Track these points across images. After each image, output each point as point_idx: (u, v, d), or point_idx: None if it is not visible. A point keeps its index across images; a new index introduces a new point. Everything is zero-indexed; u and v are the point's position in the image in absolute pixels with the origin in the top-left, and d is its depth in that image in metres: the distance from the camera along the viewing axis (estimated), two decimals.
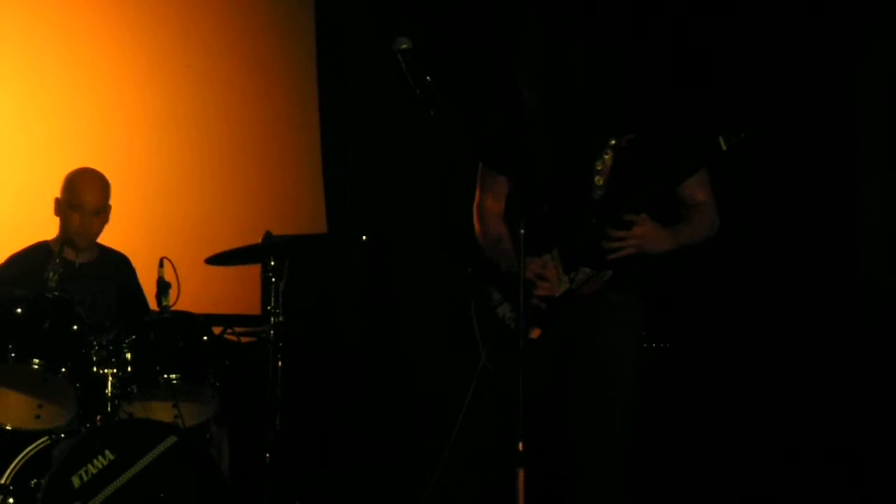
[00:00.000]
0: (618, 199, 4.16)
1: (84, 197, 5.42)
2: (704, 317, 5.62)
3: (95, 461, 4.64)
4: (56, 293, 4.95)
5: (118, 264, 5.65)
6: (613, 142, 4.20)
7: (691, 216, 4.28)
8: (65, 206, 5.44)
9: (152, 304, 5.34)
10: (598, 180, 4.22)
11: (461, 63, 5.98)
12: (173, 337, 5.08)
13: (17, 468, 4.75)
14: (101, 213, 5.47)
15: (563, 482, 4.23)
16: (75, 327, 4.91)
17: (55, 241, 5.47)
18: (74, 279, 5.24)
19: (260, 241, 5.29)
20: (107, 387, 4.94)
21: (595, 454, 4.17)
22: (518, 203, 4.18)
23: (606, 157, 4.21)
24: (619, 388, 4.20)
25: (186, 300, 5.21)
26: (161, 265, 5.18)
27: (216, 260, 5.29)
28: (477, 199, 4.47)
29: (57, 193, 5.48)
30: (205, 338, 5.16)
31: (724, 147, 4.02)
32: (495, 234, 4.38)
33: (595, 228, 4.15)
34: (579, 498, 4.20)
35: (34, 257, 5.41)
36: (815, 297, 5.53)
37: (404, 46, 3.84)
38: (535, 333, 4.13)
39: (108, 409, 4.94)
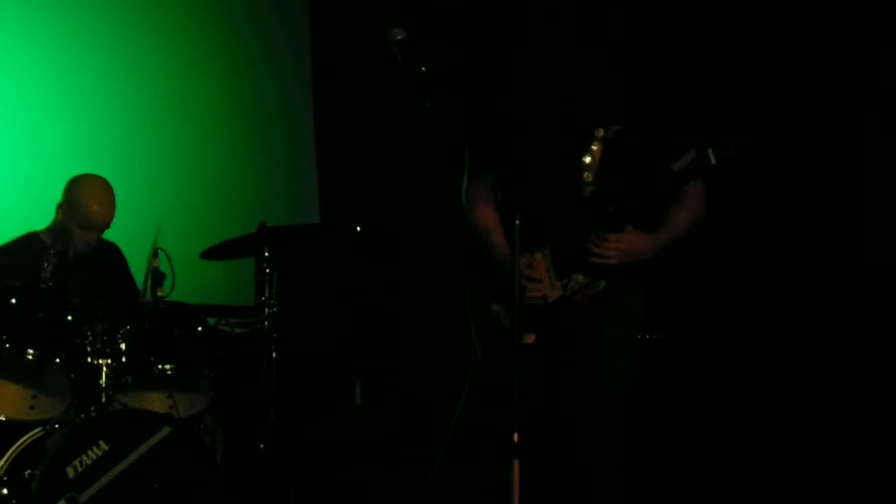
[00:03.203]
0: (608, 198, 4.14)
1: (93, 217, 5.34)
2: (699, 307, 5.62)
3: (90, 452, 4.64)
4: (50, 284, 4.94)
5: (110, 253, 5.64)
6: (601, 133, 4.17)
7: (675, 211, 4.25)
8: (70, 220, 5.33)
9: (146, 294, 5.33)
10: (587, 176, 4.17)
11: (452, 56, 5.97)
12: (168, 327, 5.09)
13: (11, 459, 4.74)
14: (108, 226, 5.42)
15: (558, 474, 4.23)
16: (69, 318, 4.91)
17: (46, 232, 5.44)
18: (68, 270, 5.23)
19: (254, 231, 5.29)
20: (101, 377, 4.95)
21: (591, 446, 4.16)
22: (511, 193, 4.16)
23: (594, 148, 4.17)
24: (617, 381, 4.19)
25: (181, 291, 5.21)
26: (156, 256, 5.18)
27: (211, 254, 5.28)
28: (465, 184, 4.42)
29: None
30: (199, 328, 5.17)
31: (713, 161, 3.97)
32: (485, 226, 4.33)
33: (586, 234, 4.12)
34: (574, 490, 4.20)
35: (24, 248, 5.39)
36: (814, 289, 5.53)
37: (399, 37, 3.84)
38: (531, 339, 4.08)
39: (103, 399, 4.94)
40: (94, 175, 5.44)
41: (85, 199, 5.35)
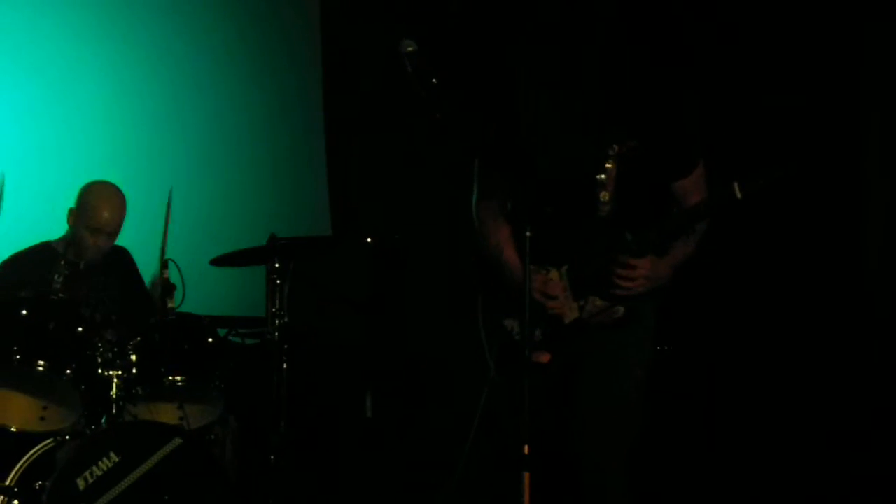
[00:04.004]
0: (624, 220, 4.12)
1: (102, 220, 5.38)
2: (706, 319, 5.61)
3: (100, 463, 4.64)
4: (61, 295, 4.95)
5: (119, 257, 5.64)
6: (616, 148, 4.16)
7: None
8: (80, 224, 5.38)
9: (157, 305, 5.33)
10: (604, 196, 4.15)
11: (464, 67, 5.97)
12: (178, 339, 5.08)
13: (21, 470, 4.74)
14: (117, 233, 5.45)
15: (568, 487, 4.23)
16: (80, 329, 4.90)
17: (59, 242, 5.46)
18: (79, 280, 5.23)
19: (265, 243, 5.29)
20: (112, 389, 4.94)
21: (600, 460, 4.15)
22: (522, 205, 4.14)
23: (609, 166, 4.15)
24: (629, 396, 4.18)
25: (191, 302, 5.21)
26: (166, 267, 5.18)
27: (221, 261, 5.29)
28: (475, 199, 4.42)
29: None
30: (209, 339, 5.17)
31: (738, 195, 3.95)
32: (496, 241, 4.32)
33: (605, 258, 4.11)
34: (584, 501, 4.19)
35: (37, 257, 5.41)
36: (820, 300, 5.52)
37: (410, 49, 3.83)
38: (545, 358, 4.07)
39: (113, 410, 4.94)
40: (106, 181, 5.49)
41: (95, 203, 5.39)
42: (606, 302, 4.12)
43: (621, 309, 4.12)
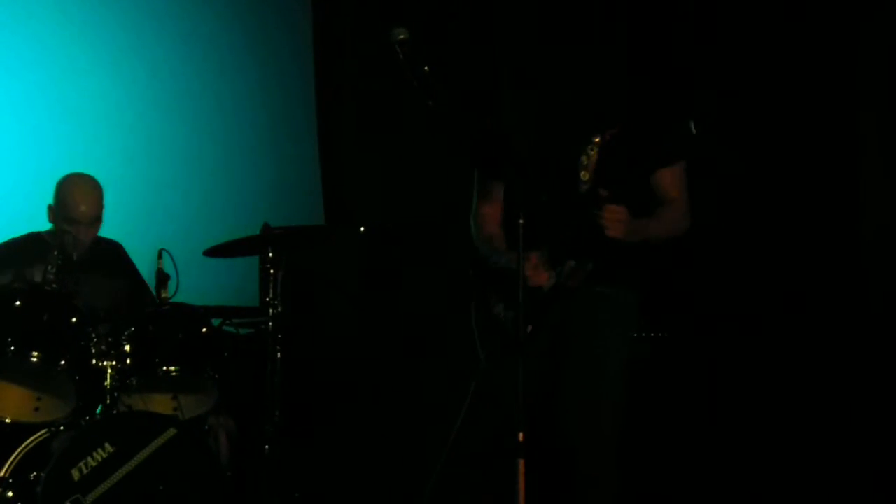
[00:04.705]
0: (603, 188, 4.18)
1: (79, 210, 5.36)
2: (703, 307, 5.62)
3: (95, 454, 4.64)
4: (54, 286, 4.94)
5: (113, 253, 5.63)
6: (598, 139, 4.21)
7: (662, 210, 4.30)
8: (59, 218, 5.36)
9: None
10: (584, 175, 4.24)
11: (451, 60, 5.97)
12: (172, 329, 5.08)
13: (16, 461, 4.74)
14: (97, 221, 5.44)
15: (558, 474, 4.24)
16: (74, 320, 4.91)
17: (49, 233, 5.45)
18: (71, 272, 5.22)
19: (258, 232, 5.29)
20: (106, 379, 4.94)
21: (586, 445, 4.19)
22: (514, 195, 4.18)
23: (592, 152, 4.23)
24: (609, 381, 4.22)
25: (185, 292, 5.21)
26: (160, 257, 5.18)
27: (215, 252, 5.28)
28: (473, 206, 4.52)
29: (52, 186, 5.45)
30: (204, 329, 5.16)
31: (693, 131, 3.97)
32: (487, 234, 4.44)
33: (580, 221, 4.15)
34: (573, 488, 4.21)
35: (26, 246, 5.40)
36: (816, 288, 5.53)
37: (402, 37, 3.83)
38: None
39: (108, 401, 4.94)
40: (79, 173, 5.47)
41: (71, 197, 5.37)
42: (577, 261, 4.17)
43: (590, 263, 4.17)
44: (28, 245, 5.40)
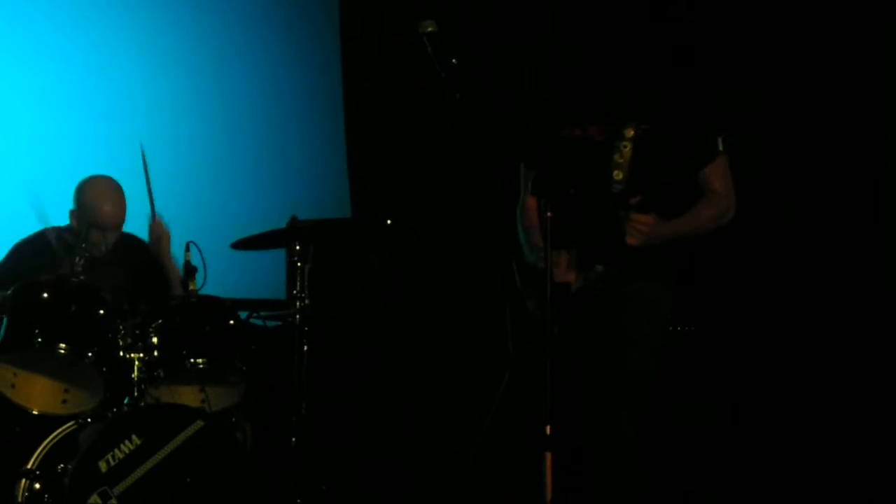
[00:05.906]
0: (634, 194, 4.16)
1: (106, 217, 5.36)
2: (729, 301, 5.60)
3: (122, 446, 4.65)
4: (81, 278, 4.95)
5: (137, 247, 5.64)
6: (631, 132, 4.19)
7: (699, 206, 4.27)
8: (84, 223, 5.33)
9: (177, 289, 5.32)
10: (618, 174, 4.22)
11: (481, 58, 5.96)
12: (199, 321, 5.09)
13: (43, 453, 4.75)
14: (123, 221, 5.43)
15: (582, 464, 4.24)
16: (101, 312, 4.91)
17: (62, 229, 5.42)
18: (97, 265, 5.24)
19: (285, 225, 5.29)
20: (133, 371, 4.95)
21: (606, 441, 4.19)
22: (542, 187, 4.18)
23: (625, 148, 4.20)
24: (632, 378, 4.21)
25: (213, 285, 5.22)
26: (187, 249, 5.18)
27: (242, 244, 5.29)
28: (521, 197, 4.54)
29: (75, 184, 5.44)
30: (231, 322, 5.17)
31: (720, 148, 3.96)
32: (528, 225, 4.45)
33: (611, 226, 4.14)
34: (594, 476, 4.21)
35: (37, 246, 5.40)
36: (842, 283, 5.50)
37: (430, 29, 3.83)
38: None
39: (135, 393, 4.95)
40: (101, 175, 5.47)
41: (95, 202, 5.37)
42: (605, 267, 4.19)
43: (617, 270, 4.18)
44: (38, 244, 5.38)
